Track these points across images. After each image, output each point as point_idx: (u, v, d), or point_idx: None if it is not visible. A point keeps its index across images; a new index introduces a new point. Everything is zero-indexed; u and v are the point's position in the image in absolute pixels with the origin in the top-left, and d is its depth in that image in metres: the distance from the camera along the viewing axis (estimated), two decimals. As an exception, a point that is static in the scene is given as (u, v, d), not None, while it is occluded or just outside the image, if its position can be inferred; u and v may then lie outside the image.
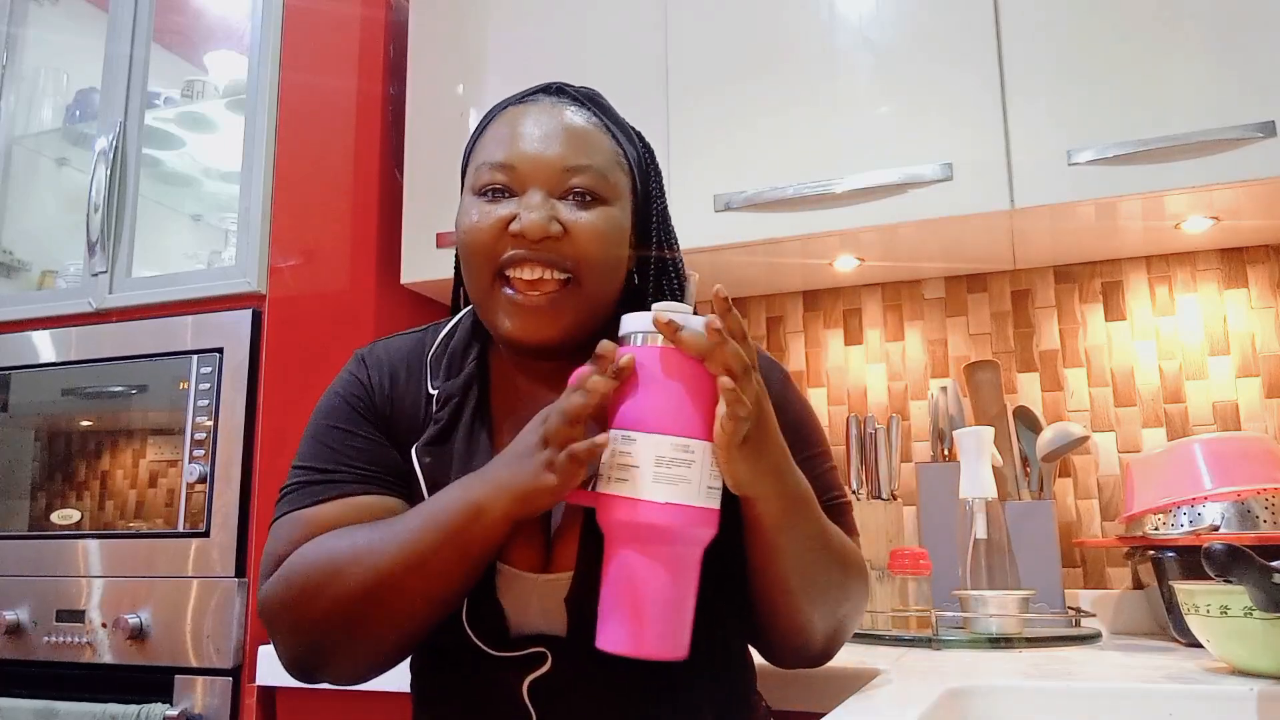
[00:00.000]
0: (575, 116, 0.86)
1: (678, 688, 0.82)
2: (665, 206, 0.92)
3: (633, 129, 0.92)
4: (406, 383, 0.89)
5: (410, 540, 0.75)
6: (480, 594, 0.80)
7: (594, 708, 0.81)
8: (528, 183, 0.82)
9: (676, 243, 0.92)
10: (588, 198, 0.83)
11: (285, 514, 0.84)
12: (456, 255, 0.89)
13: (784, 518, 0.77)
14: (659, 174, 0.92)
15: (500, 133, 0.85)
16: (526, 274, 0.81)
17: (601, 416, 0.73)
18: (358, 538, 0.77)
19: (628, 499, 0.70)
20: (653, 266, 0.90)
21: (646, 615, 0.70)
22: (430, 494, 0.82)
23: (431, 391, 0.87)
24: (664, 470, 0.69)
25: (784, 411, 0.82)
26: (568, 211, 0.82)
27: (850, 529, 0.91)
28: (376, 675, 0.82)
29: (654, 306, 0.71)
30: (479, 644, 0.80)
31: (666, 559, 0.70)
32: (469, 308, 0.93)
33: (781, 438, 0.76)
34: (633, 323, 0.73)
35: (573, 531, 0.82)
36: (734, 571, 0.83)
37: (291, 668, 0.81)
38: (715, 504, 0.72)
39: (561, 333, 0.82)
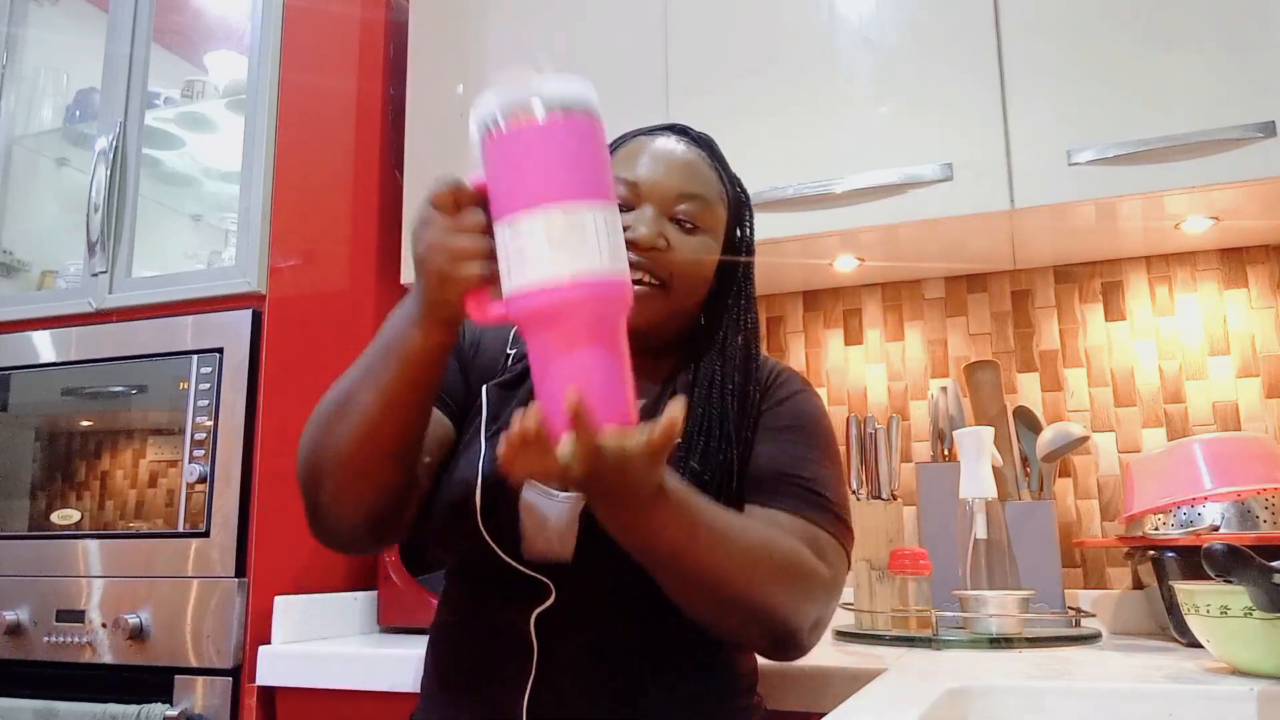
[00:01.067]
0: (693, 154, 0.98)
1: (685, 628, 0.85)
2: (751, 242, 1.03)
3: (736, 177, 1.04)
4: (495, 336, 1.01)
5: (363, 361, 0.83)
6: (501, 518, 0.87)
7: (596, 642, 0.87)
8: (644, 199, 0.94)
9: (752, 273, 1.03)
10: (689, 225, 0.94)
11: None
12: None
13: (653, 569, 0.79)
14: (751, 215, 1.03)
15: (630, 154, 0.97)
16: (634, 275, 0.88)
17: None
18: (340, 378, 0.86)
19: (530, 287, 0.65)
20: (731, 290, 1.00)
21: (584, 395, 0.65)
22: (489, 426, 0.91)
23: (509, 351, 0.99)
24: (559, 244, 0.65)
25: (785, 416, 0.95)
26: (673, 232, 0.94)
27: (814, 517, 0.89)
28: (368, 530, 0.87)
29: (496, 79, 0.68)
30: (494, 548, 0.86)
31: (587, 333, 0.66)
32: None
33: (650, 507, 0.74)
34: (488, 106, 0.68)
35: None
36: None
37: (310, 526, 0.89)
38: (622, 265, 0.68)
39: (647, 322, 0.91)
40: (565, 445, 0.66)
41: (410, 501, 0.90)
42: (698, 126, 1.66)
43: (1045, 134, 1.39)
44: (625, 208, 0.93)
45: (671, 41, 1.62)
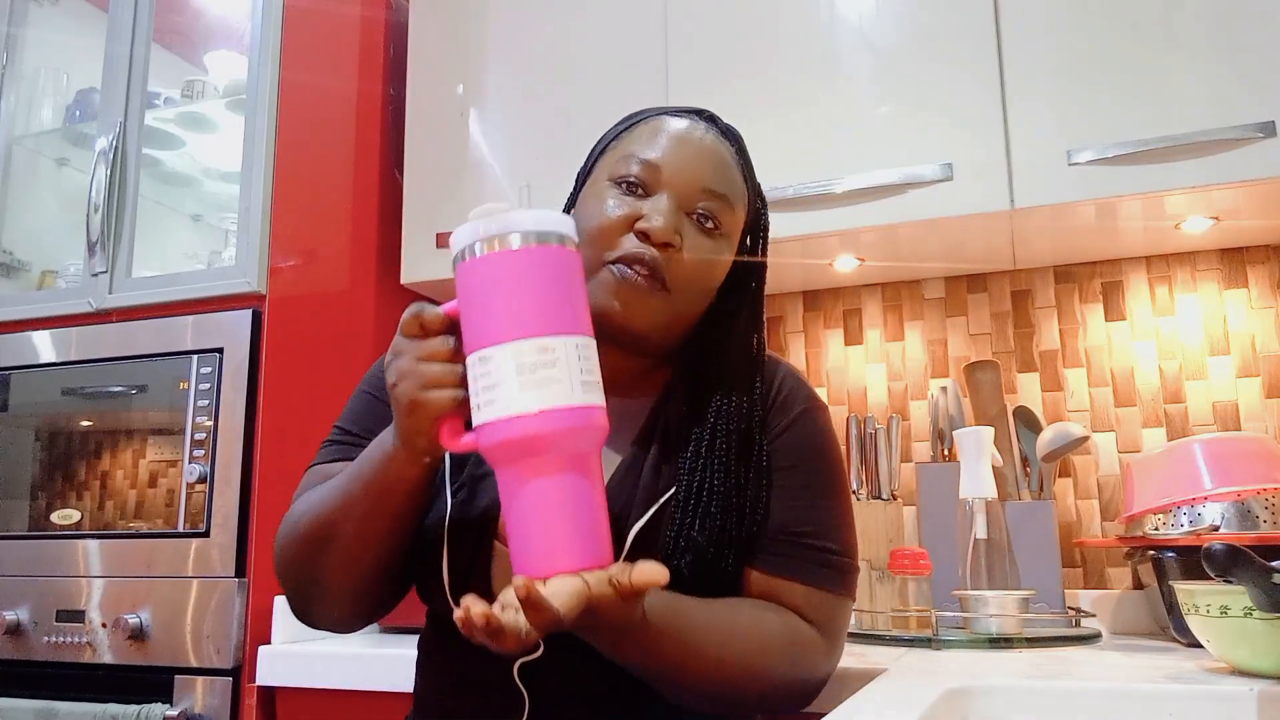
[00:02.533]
0: (724, 148, 0.89)
1: None
2: (764, 253, 0.94)
3: (758, 183, 0.95)
4: None
5: (341, 489, 0.80)
6: (469, 572, 0.83)
7: (587, 689, 0.82)
8: (664, 186, 0.85)
9: (763, 287, 0.94)
10: (709, 223, 0.86)
11: (310, 466, 0.93)
12: None
13: (618, 656, 0.76)
14: (767, 226, 0.95)
15: (654, 133, 0.88)
16: (635, 269, 0.83)
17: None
18: (314, 494, 0.84)
19: (500, 420, 0.65)
20: (738, 305, 0.92)
21: (556, 530, 0.65)
22: (453, 476, 0.87)
23: None
24: (527, 377, 0.64)
25: (785, 453, 0.87)
26: (690, 230, 0.85)
27: (816, 579, 0.85)
28: (358, 621, 0.88)
29: (473, 212, 0.68)
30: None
31: (559, 466, 0.66)
32: None
33: (630, 637, 0.73)
34: (463, 236, 0.68)
35: None
36: (723, 577, 0.84)
37: (292, 611, 0.89)
38: (595, 396, 0.67)
39: (643, 324, 0.84)
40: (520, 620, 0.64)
41: (399, 584, 0.90)
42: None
43: (1045, 134, 1.39)
44: (642, 190, 0.85)
45: (671, 41, 1.62)
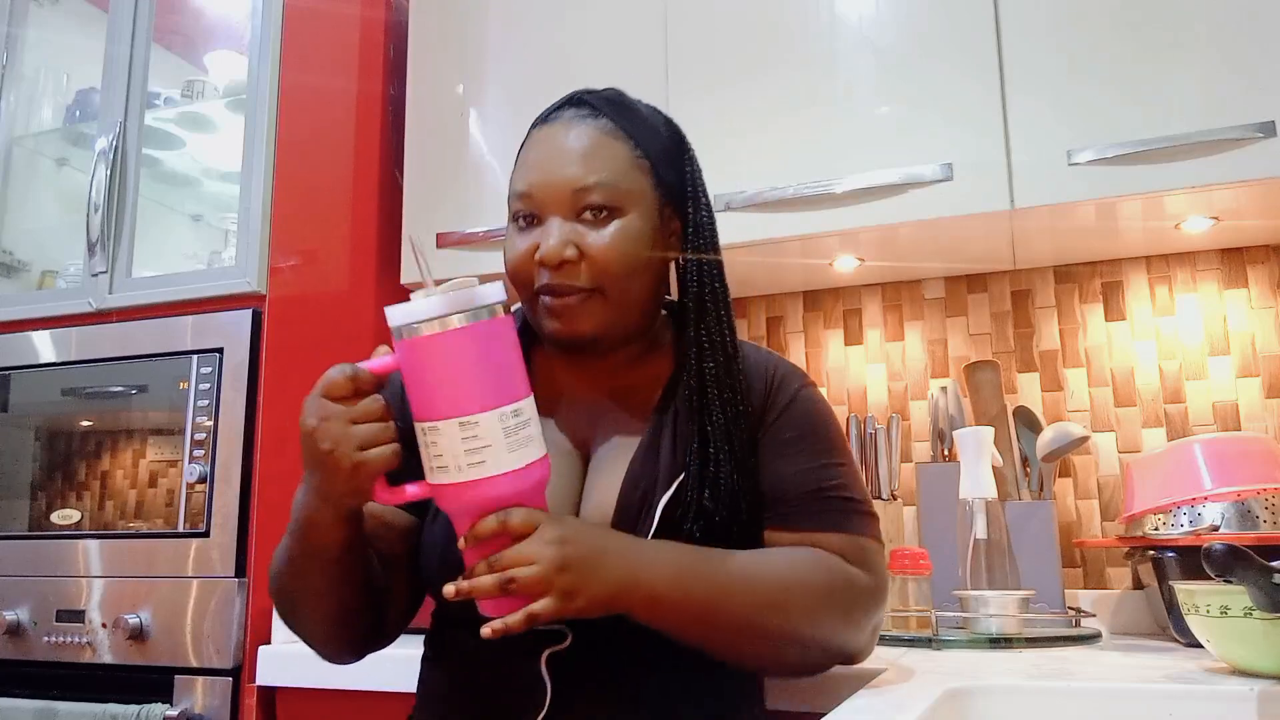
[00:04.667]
0: (588, 131, 0.89)
1: (696, 666, 0.84)
2: (698, 178, 0.94)
3: (658, 115, 0.95)
4: None
5: (287, 554, 0.85)
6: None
7: (612, 681, 0.83)
8: (545, 210, 0.88)
9: (711, 228, 0.94)
10: (602, 212, 0.87)
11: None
12: None
13: (660, 619, 0.79)
14: (688, 152, 0.95)
15: (525, 159, 0.91)
16: (555, 298, 0.87)
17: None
18: (280, 547, 0.88)
19: (443, 485, 0.73)
20: (689, 244, 0.93)
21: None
22: None
23: None
24: (469, 447, 0.72)
25: (790, 425, 0.90)
26: (585, 231, 0.87)
27: (852, 527, 0.88)
28: (349, 649, 0.92)
29: (441, 285, 0.73)
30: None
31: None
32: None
33: (619, 552, 0.78)
34: (401, 315, 0.73)
35: (600, 487, 0.88)
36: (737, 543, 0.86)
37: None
38: (531, 451, 0.75)
39: (594, 330, 0.88)
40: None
41: (390, 611, 0.92)
42: (697, 127, 1.66)
43: (1045, 134, 1.39)
44: (534, 220, 0.89)
45: (671, 41, 1.62)
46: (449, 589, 0.74)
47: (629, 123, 0.91)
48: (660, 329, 0.98)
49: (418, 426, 0.74)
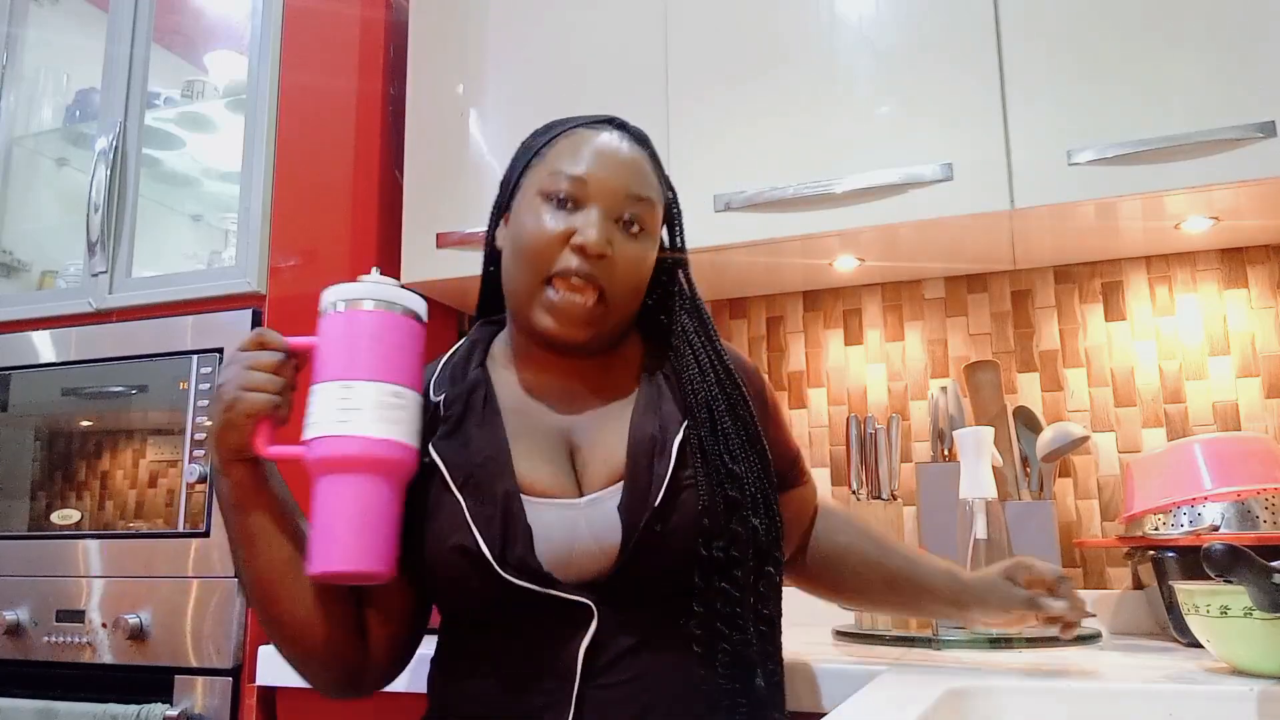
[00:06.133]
0: (637, 152, 0.95)
1: (730, 654, 0.84)
2: (683, 246, 1.01)
3: (665, 174, 1.01)
4: None
5: (233, 559, 0.88)
6: (509, 531, 0.84)
7: (644, 673, 0.83)
8: (593, 199, 0.90)
9: (690, 275, 1.02)
10: (636, 228, 0.92)
11: None
12: (489, 252, 1.03)
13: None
14: (681, 217, 1.02)
15: (575, 147, 0.93)
16: (574, 283, 0.88)
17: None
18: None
19: (356, 436, 0.80)
20: (659, 291, 1.01)
21: (355, 532, 0.79)
22: (452, 476, 0.88)
23: (435, 399, 0.94)
24: (383, 412, 0.81)
25: (763, 401, 1.01)
26: (619, 237, 0.90)
27: (809, 477, 1.10)
28: (353, 671, 0.90)
29: (361, 278, 0.85)
30: (517, 582, 0.82)
31: (370, 484, 0.81)
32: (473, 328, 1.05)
33: None
34: (331, 294, 0.85)
35: (600, 453, 0.90)
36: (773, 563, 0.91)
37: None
38: (394, 432, 0.82)
39: (589, 337, 0.91)
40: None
41: (389, 636, 0.91)
42: (697, 127, 1.67)
43: (1045, 134, 1.39)
44: (572, 204, 0.90)
45: (671, 42, 1.62)
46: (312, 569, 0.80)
47: (657, 163, 0.98)
48: (631, 329, 1.02)
49: (312, 389, 0.82)
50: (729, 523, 0.86)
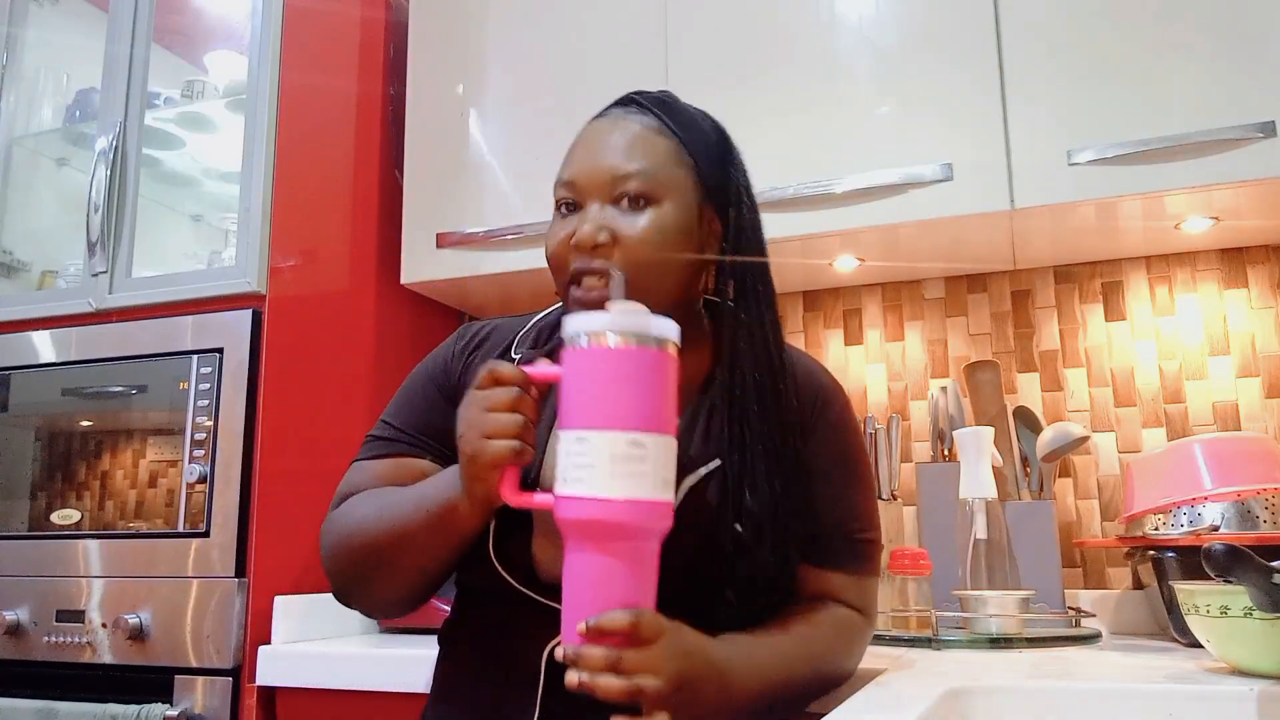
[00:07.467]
0: (633, 126, 0.92)
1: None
2: (743, 181, 0.96)
3: (707, 119, 0.97)
4: (490, 353, 0.98)
5: (401, 520, 0.85)
6: (512, 533, 0.87)
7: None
8: (586, 196, 0.90)
9: (756, 226, 0.96)
10: (639, 201, 0.88)
11: (356, 460, 0.98)
12: None
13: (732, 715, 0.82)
14: (734, 155, 0.96)
15: (570, 151, 0.94)
16: (586, 281, 0.88)
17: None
18: (369, 509, 0.89)
19: (586, 498, 0.72)
20: (730, 245, 0.93)
21: (599, 605, 0.72)
22: None
23: (514, 357, 0.96)
24: (619, 466, 0.71)
25: (829, 443, 0.94)
26: (620, 217, 0.88)
27: (862, 569, 0.95)
28: (402, 613, 0.94)
29: (609, 306, 0.76)
30: (508, 579, 0.86)
31: (625, 554, 0.73)
32: None
33: (714, 679, 0.79)
34: (576, 324, 0.75)
35: None
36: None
37: (334, 595, 0.95)
38: (670, 495, 0.74)
39: None
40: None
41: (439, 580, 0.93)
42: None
43: (1045, 134, 1.39)
44: (574, 208, 0.90)
45: (671, 42, 1.62)
46: (570, 679, 0.72)
47: (674, 121, 0.93)
48: (698, 324, 0.97)
49: (568, 435, 0.74)
50: (725, 570, 0.86)
